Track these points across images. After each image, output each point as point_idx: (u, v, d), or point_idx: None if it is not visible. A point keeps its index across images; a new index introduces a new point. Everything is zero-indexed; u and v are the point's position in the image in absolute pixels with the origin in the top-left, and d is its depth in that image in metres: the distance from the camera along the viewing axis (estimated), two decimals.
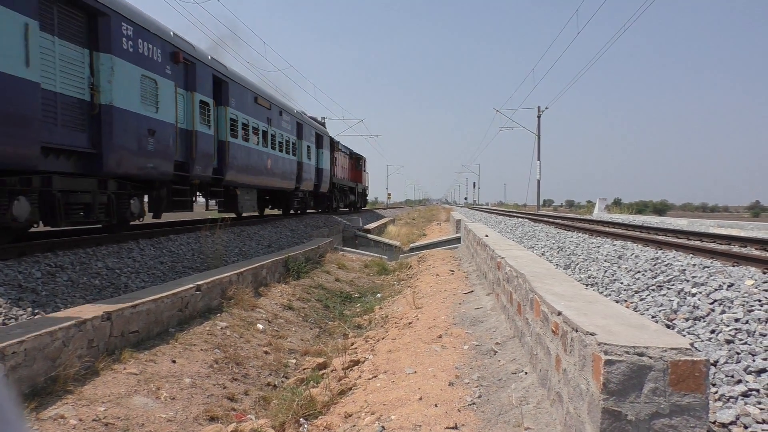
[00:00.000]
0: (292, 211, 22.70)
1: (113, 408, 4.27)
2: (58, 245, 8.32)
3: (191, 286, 7.11)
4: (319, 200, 27.77)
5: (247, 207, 16.94)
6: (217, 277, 7.90)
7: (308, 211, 25.77)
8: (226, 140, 14.07)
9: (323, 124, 28.63)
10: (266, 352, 6.79)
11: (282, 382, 6.10)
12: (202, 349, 6.05)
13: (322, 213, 27.79)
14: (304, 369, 6.47)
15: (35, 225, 8.40)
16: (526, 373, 4.07)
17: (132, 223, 11.03)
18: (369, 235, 24.61)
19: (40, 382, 4.33)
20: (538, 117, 44.29)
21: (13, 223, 7.41)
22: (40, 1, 7.32)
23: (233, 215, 17.14)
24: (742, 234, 13.83)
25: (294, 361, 6.90)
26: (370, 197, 53.93)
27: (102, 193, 9.32)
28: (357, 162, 38.66)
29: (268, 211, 21.61)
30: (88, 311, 5.26)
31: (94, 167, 8.76)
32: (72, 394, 4.32)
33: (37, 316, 5.72)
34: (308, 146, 23.42)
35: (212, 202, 15.82)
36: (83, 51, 8.47)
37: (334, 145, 29.58)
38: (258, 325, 7.63)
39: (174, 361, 5.52)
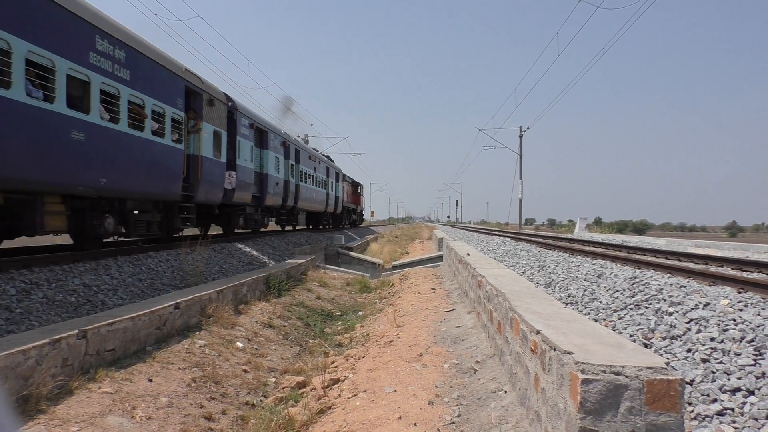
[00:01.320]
0: (321, 226, 33.31)
1: (87, 428, 4.18)
2: (35, 262, 8.18)
3: (170, 303, 7.02)
4: (336, 219, 38.80)
5: (301, 223, 27.62)
6: (196, 295, 7.81)
7: (328, 227, 35.86)
8: (296, 183, 24.15)
9: (330, 158, 36.60)
10: (245, 371, 6.71)
11: (261, 401, 6.02)
12: (179, 368, 5.96)
13: (335, 228, 37.88)
14: (283, 388, 6.40)
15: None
16: (505, 391, 4.07)
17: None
18: (351, 253, 24.56)
19: (12, 402, 4.22)
20: (520, 137, 44.83)
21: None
22: (282, 143, 20.54)
23: (290, 228, 26.79)
24: (719, 254, 14.07)
25: (273, 379, 6.83)
26: None
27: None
28: (356, 188, 48.62)
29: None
30: (63, 329, 5.16)
31: (260, 203, 19.38)
32: (45, 414, 4.22)
33: (10, 334, 5.59)
34: (332, 182, 33.80)
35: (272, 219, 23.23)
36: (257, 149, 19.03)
37: (343, 177, 39.16)
38: (237, 343, 7.54)
39: (151, 380, 5.42)
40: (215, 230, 18.01)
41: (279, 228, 25.31)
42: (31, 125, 7.54)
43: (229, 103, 15.76)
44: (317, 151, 31.93)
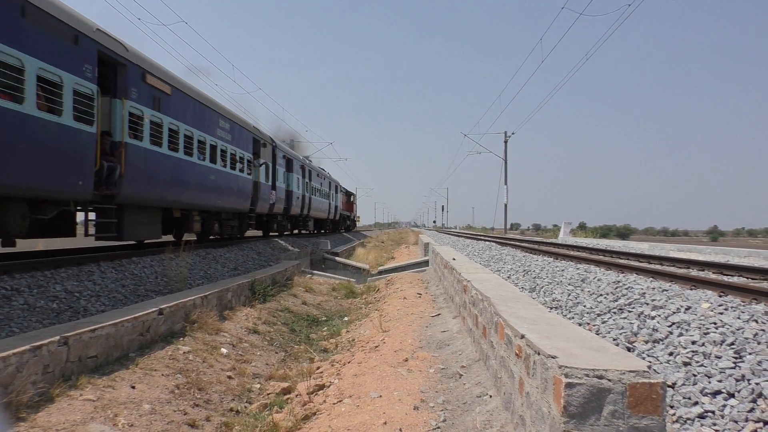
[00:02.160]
0: (323, 230, 40.71)
1: None
2: (15, 268, 8.06)
3: (153, 309, 6.95)
4: (335, 224, 45.81)
5: (310, 227, 34.19)
6: (180, 301, 7.75)
7: (328, 230, 43.17)
8: (309, 196, 30.75)
9: (325, 170, 42.15)
10: (230, 377, 6.66)
11: (245, 407, 5.98)
12: (163, 374, 5.90)
13: (334, 232, 45.21)
14: (268, 394, 6.37)
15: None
16: (490, 396, 4.08)
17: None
18: (337, 258, 24.53)
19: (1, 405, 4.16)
20: (505, 142, 45.14)
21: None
22: (301, 167, 28.87)
23: (293, 232, 31.52)
24: (700, 258, 14.26)
25: (258, 385, 6.78)
26: None
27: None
28: (350, 197, 57.22)
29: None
30: (45, 335, 5.09)
31: (287, 213, 26.17)
32: (25, 422, 4.15)
33: None
34: (333, 193, 41.40)
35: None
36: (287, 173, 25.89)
37: (339, 188, 46.03)
38: (222, 349, 7.49)
39: (133, 387, 5.36)
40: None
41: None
42: (195, 174, 14.16)
43: (273, 144, 23.34)
44: (324, 170, 40.11)
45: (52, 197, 9.01)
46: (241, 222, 19.89)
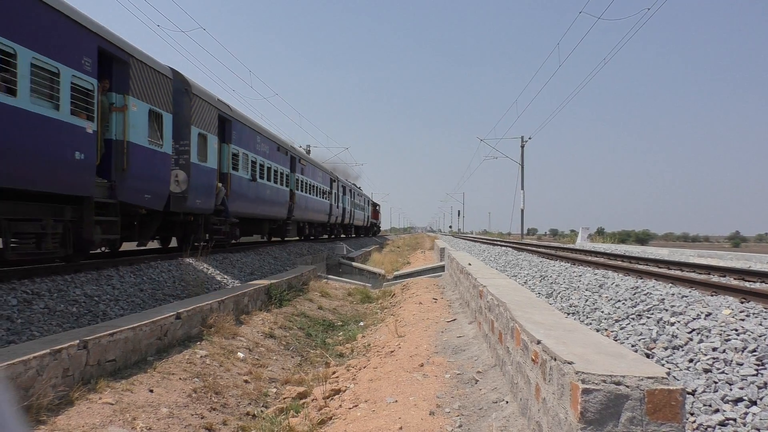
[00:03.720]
0: (353, 235, 49.46)
1: None
2: (35, 272, 8.19)
3: (171, 314, 7.02)
4: (366, 230, 56.78)
5: (352, 233, 47.50)
6: (197, 305, 7.81)
7: (362, 235, 54.92)
8: (351, 210, 42.20)
9: (361, 188, 55.12)
10: (246, 381, 6.69)
11: (261, 411, 6.00)
12: (180, 378, 5.95)
13: (366, 236, 57.13)
14: (284, 398, 6.38)
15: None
16: (507, 402, 4.06)
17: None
18: (353, 263, 24.55)
19: (18, 409, 4.21)
20: (522, 147, 44.90)
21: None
22: (350, 189, 42.82)
23: (344, 235, 43.19)
24: (721, 264, 14.04)
25: (274, 390, 6.81)
26: None
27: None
28: (375, 207, 68.10)
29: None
30: (64, 339, 5.16)
31: (343, 221, 39.39)
32: (45, 425, 4.21)
33: (11, 345, 5.60)
34: (365, 206, 53.34)
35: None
36: (342, 195, 38.67)
37: (370, 201, 59.34)
38: (239, 353, 7.53)
39: (151, 391, 5.42)
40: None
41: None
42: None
43: (338, 179, 36.19)
44: (359, 187, 51.58)
45: (280, 218, 22.14)
46: (323, 228, 32.85)
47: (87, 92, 8.53)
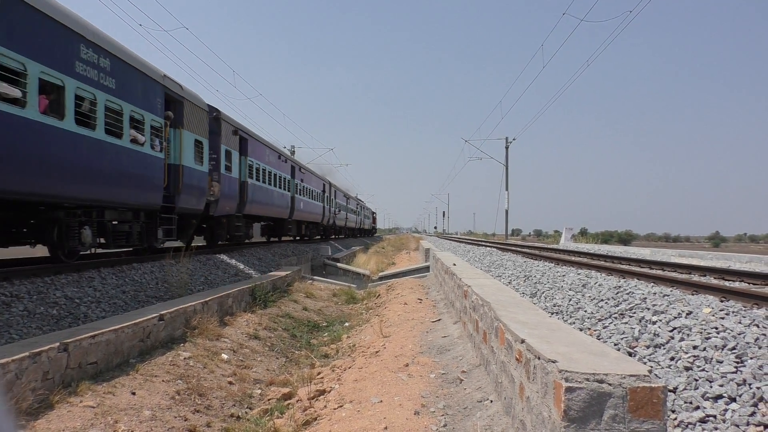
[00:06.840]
0: (357, 236, 60.57)
1: None
2: (15, 274, 8.06)
3: (154, 315, 6.94)
4: (368, 232, 69.50)
5: (354, 234, 59.88)
6: (181, 307, 7.74)
7: (359, 236, 63.85)
8: (361, 218, 63.03)
9: (363, 201, 69.74)
10: (230, 383, 6.64)
11: (246, 413, 5.96)
12: (163, 380, 5.89)
13: (364, 237, 67.41)
14: (269, 399, 6.35)
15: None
16: (491, 401, 4.07)
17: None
18: (338, 264, 24.51)
19: (10, 408, 4.14)
20: (506, 148, 45.16)
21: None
22: (352, 199, 56.76)
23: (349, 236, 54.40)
24: (702, 263, 14.24)
25: (259, 391, 6.77)
26: None
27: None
28: (373, 214, 79.58)
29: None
30: (44, 342, 5.08)
31: (355, 224, 58.37)
32: (24, 429, 4.14)
33: None
34: (365, 212, 67.85)
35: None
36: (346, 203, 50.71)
37: (369, 210, 72.92)
38: (223, 354, 7.47)
39: (134, 393, 5.35)
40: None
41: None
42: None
43: (357, 196, 58.04)
44: (361, 200, 62.46)
45: (318, 223, 35.36)
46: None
47: (159, 130, 11.52)
